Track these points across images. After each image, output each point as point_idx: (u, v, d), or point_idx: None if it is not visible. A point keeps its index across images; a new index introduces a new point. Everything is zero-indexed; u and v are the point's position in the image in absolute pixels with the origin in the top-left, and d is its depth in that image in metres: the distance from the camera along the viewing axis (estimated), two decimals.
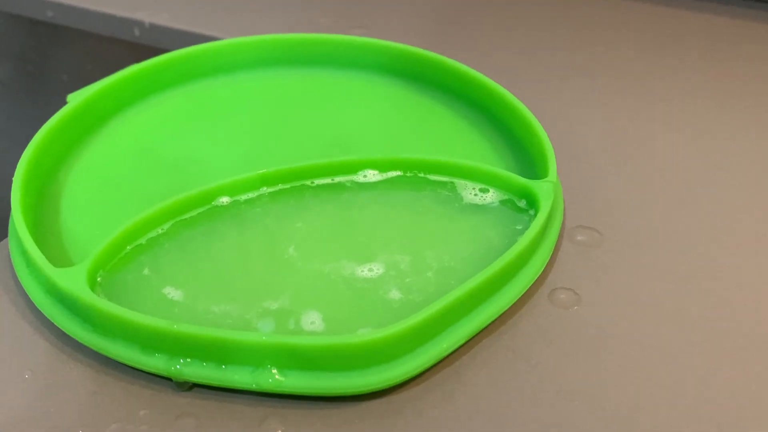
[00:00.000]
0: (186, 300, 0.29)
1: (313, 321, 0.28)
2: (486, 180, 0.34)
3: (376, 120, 0.39)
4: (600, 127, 0.40)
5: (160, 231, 0.32)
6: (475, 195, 0.34)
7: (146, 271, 0.30)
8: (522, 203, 0.33)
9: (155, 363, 0.27)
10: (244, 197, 0.34)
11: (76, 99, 0.38)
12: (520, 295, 0.30)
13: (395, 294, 0.29)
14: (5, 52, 0.64)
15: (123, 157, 0.37)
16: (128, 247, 0.31)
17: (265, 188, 0.34)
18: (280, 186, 0.34)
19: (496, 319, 0.29)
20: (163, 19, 0.54)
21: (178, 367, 0.27)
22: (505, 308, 0.29)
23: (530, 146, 0.36)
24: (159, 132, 0.39)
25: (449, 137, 0.38)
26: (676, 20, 0.51)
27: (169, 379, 0.27)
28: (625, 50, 0.47)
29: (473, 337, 0.28)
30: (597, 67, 0.45)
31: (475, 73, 0.39)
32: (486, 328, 0.29)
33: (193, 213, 0.33)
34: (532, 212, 0.33)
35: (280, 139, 0.38)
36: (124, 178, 0.36)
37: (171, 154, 0.37)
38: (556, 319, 0.30)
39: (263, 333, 0.26)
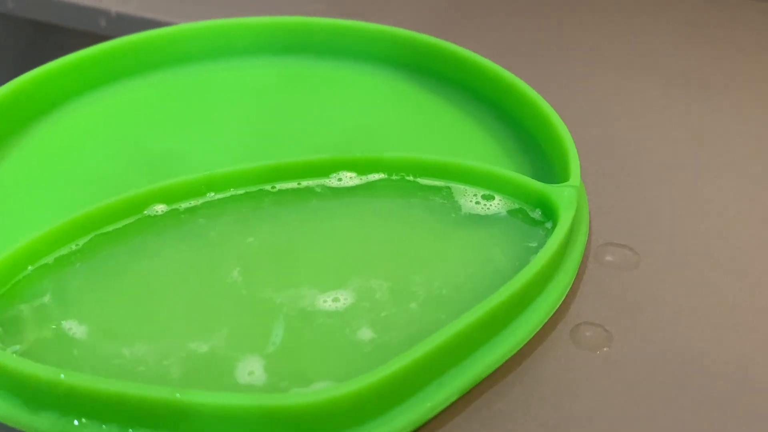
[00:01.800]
0: (91, 338, 0.22)
1: (251, 371, 0.21)
2: (491, 184, 0.28)
3: (358, 115, 0.33)
4: (632, 126, 0.34)
5: (73, 247, 0.25)
6: (477, 203, 0.27)
7: (47, 299, 0.24)
8: (536, 214, 0.27)
9: (40, 424, 0.21)
10: (184, 205, 0.27)
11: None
12: (533, 334, 0.24)
13: (366, 333, 0.23)
14: None
15: (55, 155, 0.31)
16: (30, 268, 0.25)
17: (212, 194, 0.27)
18: (232, 191, 0.28)
19: (501, 366, 0.23)
20: (131, 8, 0.48)
21: (69, 430, 0.20)
22: (514, 351, 0.23)
23: (547, 144, 0.29)
24: (103, 128, 0.32)
25: (446, 134, 0.32)
26: (723, 8, 0.44)
27: None
28: (661, 41, 0.41)
29: (469, 391, 0.22)
30: (627, 59, 0.39)
31: (476, 57, 0.33)
32: (487, 378, 0.23)
33: (119, 225, 0.26)
34: (549, 225, 0.26)
35: (243, 134, 0.31)
36: (51, 179, 0.29)
37: (110, 155, 0.30)
38: (580, 365, 0.24)
39: (178, 389, 0.19)
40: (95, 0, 0.50)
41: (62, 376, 0.20)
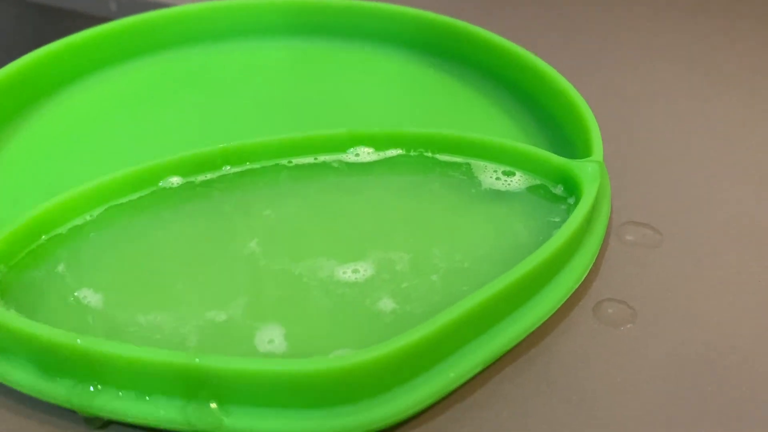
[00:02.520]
0: (106, 307, 0.22)
1: (271, 339, 0.21)
2: (511, 160, 0.27)
3: (374, 93, 0.32)
4: (653, 107, 0.33)
5: (87, 218, 0.25)
6: (497, 179, 0.27)
7: (60, 268, 0.23)
8: (558, 189, 0.26)
9: (56, 390, 0.20)
10: (200, 178, 0.27)
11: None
12: (556, 308, 0.23)
13: (387, 304, 0.22)
14: None
15: (68, 130, 0.30)
16: (43, 237, 0.24)
17: (228, 167, 0.27)
18: (248, 165, 0.27)
19: (523, 340, 0.22)
20: None
21: (86, 396, 0.20)
22: (537, 325, 0.22)
23: (567, 121, 0.29)
24: (119, 103, 0.32)
25: (464, 113, 0.31)
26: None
27: (75, 412, 0.20)
28: (683, 26, 0.40)
29: (492, 363, 0.22)
30: (648, 42, 0.38)
31: (493, 37, 0.32)
32: (510, 351, 0.22)
33: (133, 196, 0.26)
34: (571, 201, 0.26)
35: (259, 113, 0.31)
36: (66, 152, 0.29)
37: (127, 130, 0.30)
38: (603, 341, 0.23)
39: (198, 353, 0.19)
40: None
41: (78, 340, 0.19)
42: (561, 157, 0.26)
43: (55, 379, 0.20)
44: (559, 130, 0.29)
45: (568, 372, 0.22)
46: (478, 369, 0.21)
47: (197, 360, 0.19)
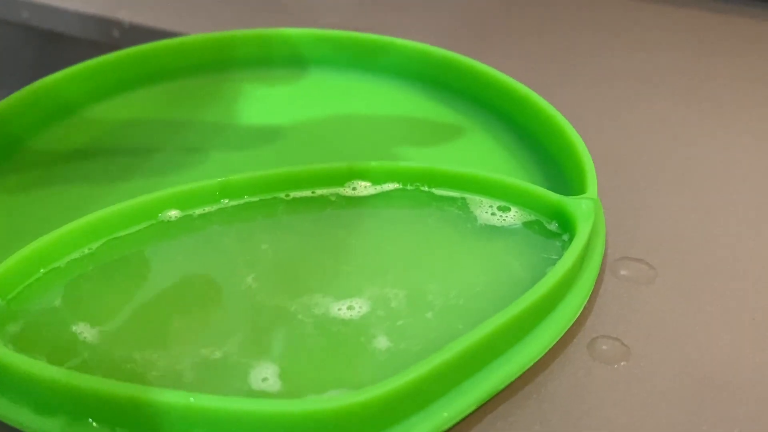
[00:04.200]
0: (102, 342, 0.22)
1: (265, 377, 0.21)
2: (507, 195, 0.27)
3: (373, 127, 0.33)
4: (647, 142, 0.33)
5: (86, 251, 0.25)
6: (493, 214, 0.27)
7: (58, 302, 0.23)
8: (553, 226, 0.26)
9: (49, 427, 0.20)
10: (198, 211, 0.27)
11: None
12: (551, 346, 0.23)
13: (382, 341, 0.22)
14: None
15: (68, 162, 0.30)
16: (41, 271, 0.24)
17: (226, 200, 0.27)
18: (246, 199, 0.27)
19: (518, 378, 0.22)
20: (145, 19, 0.48)
21: None
22: (532, 363, 0.22)
23: (562, 157, 0.29)
24: (118, 134, 0.32)
25: (461, 147, 0.31)
26: (729, 26, 0.44)
27: None
28: (674, 58, 0.40)
29: (487, 402, 0.21)
30: (641, 75, 0.39)
31: (490, 71, 0.33)
32: (505, 389, 0.22)
33: (132, 229, 0.26)
34: (566, 237, 0.26)
35: (257, 146, 0.31)
36: (64, 184, 0.29)
37: (126, 162, 0.30)
38: (598, 378, 0.23)
39: (192, 393, 0.19)
40: (109, 10, 0.50)
41: (72, 378, 0.19)
42: (556, 194, 0.26)
43: (49, 416, 0.20)
44: (555, 167, 0.29)
45: (562, 410, 0.22)
46: (472, 408, 0.21)
47: (192, 399, 0.19)
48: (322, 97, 0.34)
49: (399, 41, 0.35)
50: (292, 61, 0.36)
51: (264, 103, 0.34)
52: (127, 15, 0.49)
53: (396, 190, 0.28)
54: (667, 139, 0.33)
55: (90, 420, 0.20)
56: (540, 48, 0.41)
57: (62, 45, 0.54)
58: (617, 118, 0.35)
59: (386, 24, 0.43)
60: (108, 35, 0.50)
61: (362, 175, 0.28)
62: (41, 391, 0.20)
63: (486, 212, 0.27)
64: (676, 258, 0.27)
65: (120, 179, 0.29)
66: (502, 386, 0.21)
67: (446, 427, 0.20)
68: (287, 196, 0.28)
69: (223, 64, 0.36)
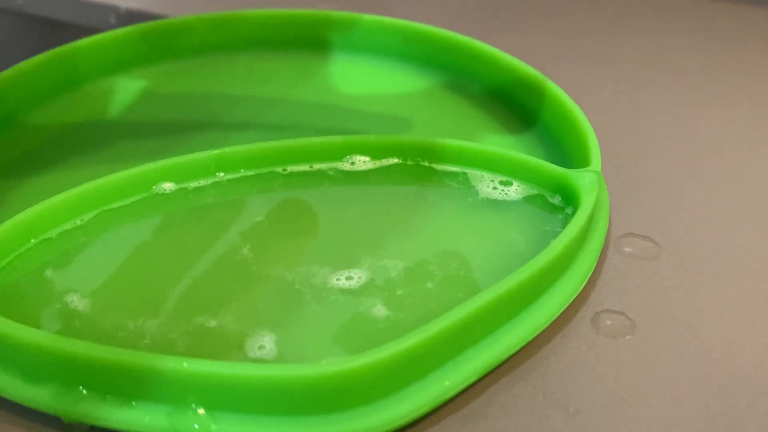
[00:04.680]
0: (93, 312, 0.21)
1: (262, 345, 0.20)
2: (509, 170, 0.27)
3: (372, 103, 0.32)
4: (651, 119, 0.33)
5: (78, 222, 0.25)
6: (495, 188, 0.26)
7: (49, 273, 0.23)
8: (556, 199, 0.26)
9: (39, 396, 0.19)
10: (193, 184, 0.26)
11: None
12: (554, 318, 0.22)
13: (380, 310, 0.22)
14: None
15: (62, 135, 0.30)
16: (32, 241, 0.24)
17: (221, 174, 0.27)
18: (242, 172, 0.27)
19: (521, 349, 0.22)
20: (141, 4, 0.48)
21: (70, 402, 0.19)
22: (534, 334, 0.22)
23: (564, 131, 0.29)
24: (114, 110, 0.32)
25: (461, 125, 0.31)
26: (735, 14, 0.44)
27: (59, 419, 0.19)
28: (678, 40, 0.40)
29: (489, 373, 0.21)
30: (646, 56, 0.38)
31: (491, 50, 0.32)
32: (507, 360, 0.22)
33: (125, 201, 0.25)
34: (569, 210, 0.25)
35: (255, 120, 0.31)
36: (56, 158, 0.29)
37: (121, 136, 0.30)
38: (602, 352, 0.23)
39: (183, 358, 0.18)
40: None
41: (63, 343, 0.19)
42: (558, 167, 0.26)
43: (39, 384, 0.19)
44: (557, 141, 0.29)
45: (566, 383, 0.22)
46: (474, 378, 0.20)
47: (185, 364, 0.18)
48: (320, 75, 0.34)
49: (398, 21, 0.35)
50: (288, 41, 0.36)
51: (261, 81, 0.34)
52: (122, 0, 0.48)
53: (396, 164, 0.27)
54: (671, 118, 0.33)
55: (80, 388, 0.19)
56: (541, 25, 0.41)
57: (57, 32, 0.54)
58: (621, 98, 0.34)
59: (389, 4, 0.43)
60: (104, 21, 0.49)
61: (361, 150, 0.27)
62: (30, 358, 0.19)
63: (488, 186, 0.26)
64: (681, 234, 0.27)
65: (114, 152, 0.28)
66: (505, 356, 0.21)
67: (448, 395, 0.20)
68: (284, 170, 0.27)
69: (216, 44, 0.36)
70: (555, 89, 0.30)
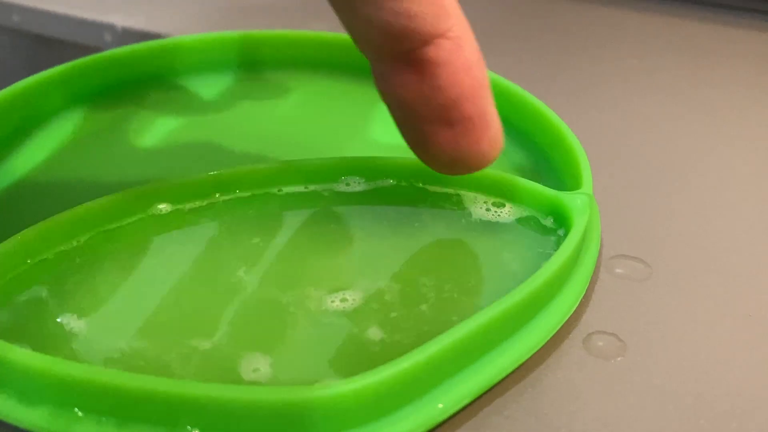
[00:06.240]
0: (89, 333, 0.21)
1: (256, 368, 0.20)
2: (502, 192, 0.27)
3: (367, 124, 0.32)
4: (642, 140, 0.33)
5: (74, 243, 0.25)
6: (488, 210, 0.27)
7: (44, 293, 0.23)
8: (548, 221, 0.26)
9: (34, 417, 0.19)
10: (189, 205, 0.26)
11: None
12: (546, 340, 0.23)
13: (375, 333, 0.22)
14: None
15: (57, 156, 0.30)
16: (28, 261, 0.24)
17: (218, 195, 0.27)
18: (238, 193, 0.27)
19: (513, 372, 0.22)
20: (137, 23, 0.48)
21: (65, 423, 0.19)
22: (527, 356, 0.22)
23: (556, 153, 0.29)
24: (108, 131, 0.32)
25: None
26: (722, 34, 0.44)
27: None
28: (667, 60, 0.40)
29: (482, 395, 0.21)
30: (636, 75, 0.39)
31: None
32: (500, 383, 0.22)
33: (122, 222, 0.26)
34: (561, 232, 0.25)
35: (251, 141, 0.31)
36: (52, 179, 0.29)
37: (116, 157, 0.30)
38: (593, 374, 0.23)
39: (179, 381, 0.19)
40: (101, 14, 0.49)
41: (58, 365, 0.19)
42: (551, 189, 0.26)
43: (34, 406, 0.19)
44: (549, 163, 0.29)
45: (558, 405, 0.22)
46: (467, 400, 0.20)
47: (180, 387, 0.18)
48: (315, 96, 0.34)
49: None
50: (283, 61, 0.36)
51: (258, 101, 0.34)
52: (119, 19, 0.48)
53: (390, 186, 0.28)
54: (662, 140, 0.33)
55: (76, 410, 0.19)
56: (534, 50, 0.41)
57: (53, 49, 0.54)
58: (612, 120, 0.35)
59: None
60: (100, 39, 0.50)
61: (356, 171, 0.28)
62: (25, 380, 0.19)
63: (481, 208, 0.27)
64: (672, 256, 0.27)
65: (110, 173, 0.29)
66: (499, 378, 0.21)
67: (441, 418, 0.20)
68: (279, 191, 0.27)
69: (212, 64, 0.36)
70: (547, 112, 0.30)
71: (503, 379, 0.22)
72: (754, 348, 0.24)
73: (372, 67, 0.22)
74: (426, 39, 0.21)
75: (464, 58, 0.22)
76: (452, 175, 0.24)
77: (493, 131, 0.23)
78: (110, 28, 0.49)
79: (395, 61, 0.21)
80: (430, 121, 0.22)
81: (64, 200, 0.26)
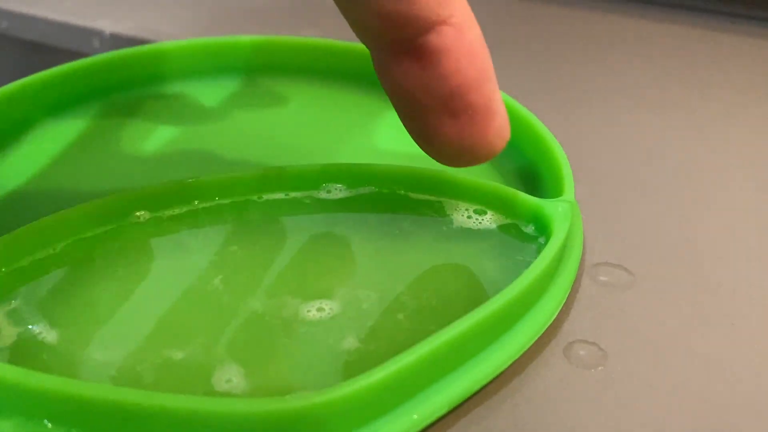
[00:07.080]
0: (61, 343, 0.21)
1: (230, 378, 0.20)
2: (483, 199, 0.27)
3: (348, 131, 0.32)
4: (625, 149, 0.33)
5: (51, 251, 0.24)
6: (469, 217, 0.26)
7: (17, 303, 0.23)
8: (529, 229, 0.26)
9: (2, 429, 0.19)
10: (168, 213, 0.26)
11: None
12: (526, 348, 0.22)
13: (351, 342, 0.21)
14: None
15: (37, 163, 0.30)
16: (3, 270, 0.24)
17: (197, 202, 0.27)
18: (218, 200, 0.27)
19: (492, 381, 0.22)
20: (125, 28, 0.48)
21: None
22: (505, 365, 0.22)
23: (539, 160, 0.29)
24: (89, 137, 0.32)
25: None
26: (706, 44, 0.44)
27: None
28: (653, 73, 0.40)
29: (460, 405, 0.21)
30: (621, 88, 0.39)
31: None
32: (478, 393, 0.21)
33: (99, 230, 0.25)
34: (542, 240, 0.25)
35: (231, 149, 0.31)
36: (30, 186, 0.28)
37: (96, 164, 0.30)
38: (574, 383, 0.22)
39: (150, 392, 0.18)
40: (89, 20, 0.49)
41: (27, 377, 0.18)
42: (532, 197, 0.26)
43: (2, 418, 0.19)
44: (532, 170, 0.29)
45: (538, 414, 0.21)
46: (444, 411, 0.20)
47: (149, 398, 0.18)
48: (297, 103, 0.34)
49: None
50: (265, 67, 0.36)
51: (238, 108, 0.34)
52: (107, 24, 0.48)
53: (371, 193, 0.27)
54: (645, 149, 0.33)
55: (45, 421, 0.19)
56: (518, 58, 0.41)
57: (42, 55, 0.54)
58: (596, 127, 0.35)
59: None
60: (88, 45, 0.50)
61: (337, 178, 0.27)
62: None
63: (462, 215, 0.26)
64: (655, 264, 0.27)
65: (89, 180, 0.28)
66: (476, 388, 0.21)
67: (417, 429, 0.19)
68: (260, 198, 0.27)
69: (194, 70, 0.36)
70: (530, 118, 0.30)
71: (482, 389, 0.21)
72: (737, 357, 0.23)
73: (372, 56, 0.21)
74: (427, 26, 0.20)
75: (467, 45, 0.21)
76: (459, 167, 0.23)
77: (499, 121, 0.22)
78: (98, 33, 0.49)
79: (396, 50, 0.20)
80: (433, 111, 0.21)
81: (44, 207, 0.26)
